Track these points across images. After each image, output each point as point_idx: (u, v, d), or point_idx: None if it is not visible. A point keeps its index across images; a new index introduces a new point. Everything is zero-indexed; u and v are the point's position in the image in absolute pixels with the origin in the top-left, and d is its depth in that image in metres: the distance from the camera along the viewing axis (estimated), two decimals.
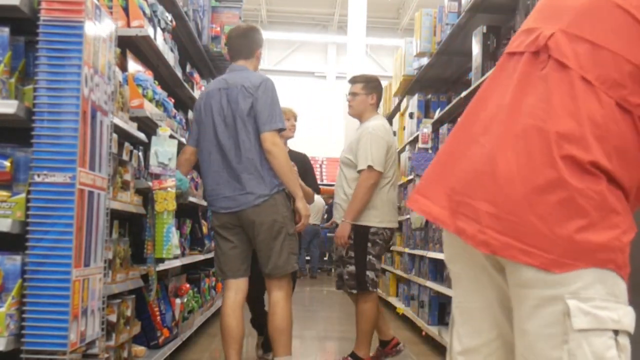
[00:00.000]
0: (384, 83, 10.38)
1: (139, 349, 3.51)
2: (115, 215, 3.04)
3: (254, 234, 3.52)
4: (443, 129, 5.45)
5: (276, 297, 3.56)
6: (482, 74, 4.26)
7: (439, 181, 1.44)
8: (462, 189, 1.37)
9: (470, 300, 1.47)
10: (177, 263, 4.32)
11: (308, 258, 13.45)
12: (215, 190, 3.58)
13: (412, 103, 6.93)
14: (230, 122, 3.49)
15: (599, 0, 1.37)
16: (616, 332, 1.25)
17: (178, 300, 4.34)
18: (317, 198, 11.72)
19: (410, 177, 6.13)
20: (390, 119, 8.96)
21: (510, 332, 1.40)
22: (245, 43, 3.71)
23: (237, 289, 3.57)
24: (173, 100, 4.40)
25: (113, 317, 3.02)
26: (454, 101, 5.14)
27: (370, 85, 4.42)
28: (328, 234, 13.86)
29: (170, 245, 3.60)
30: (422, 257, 5.84)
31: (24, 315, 2.27)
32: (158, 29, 4.02)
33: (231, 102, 3.50)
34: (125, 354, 3.26)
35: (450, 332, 1.53)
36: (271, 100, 3.51)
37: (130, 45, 3.67)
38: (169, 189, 3.57)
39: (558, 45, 1.36)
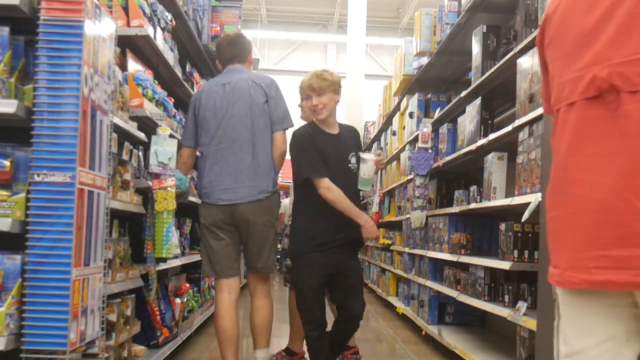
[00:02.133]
0: (384, 82, 10.42)
1: (139, 349, 3.51)
2: (115, 214, 3.04)
3: (248, 232, 3.54)
4: (443, 129, 5.45)
5: (264, 291, 3.64)
6: (482, 74, 4.26)
7: (560, 248, 1.50)
8: (588, 244, 1.42)
9: (583, 306, 1.48)
10: (177, 262, 4.32)
11: None
12: (213, 182, 3.51)
13: (412, 102, 6.93)
14: (241, 114, 3.51)
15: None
16: None
17: (178, 300, 4.34)
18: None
19: (410, 176, 6.12)
20: (390, 118, 8.96)
21: (623, 335, 1.42)
22: (237, 50, 3.74)
23: (229, 289, 3.57)
24: (173, 100, 4.40)
25: (113, 317, 3.02)
26: (454, 101, 5.14)
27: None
28: None
29: (170, 245, 3.61)
30: (422, 257, 5.84)
31: (23, 315, 2.27)
32: (158, 29, 4.02)
33: (241, 94, 3.53)
34: (125, 354, 3.26)
35: (557, 336, 1.54)
36: (282, 99, 3.60)
37: (130, 45, 3.67)
38: (168, 188, 3.57)
39: (624, 78, 1.37)
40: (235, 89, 3.54)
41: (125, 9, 3.50)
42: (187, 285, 4.83)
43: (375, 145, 10.83)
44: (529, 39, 3.37)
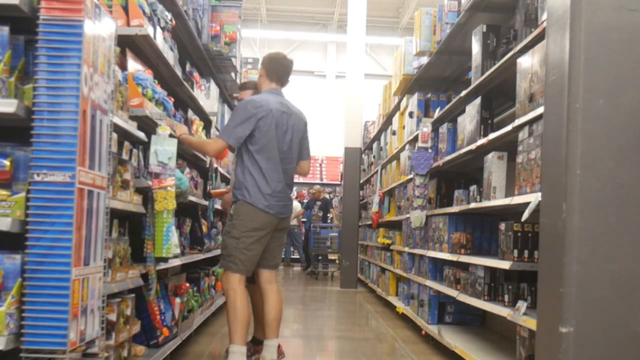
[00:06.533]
0: (384, 82, 10.40)
1: (139, 348, 3.51)
2: (115, 214, 3.04)
3: (278, 236, 4.18)
4: (443, 128, 5.45)
5: (277, 286, 4.20)
6: (482, 73, 4.26)
7: None
8: None
9: None
10: (177, 262, 4.32)
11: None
12: (275, 196, 4.01)
13: (411, 102, 6.93)
14: (289, 142, 4.09)
15: None
16: None
17: (178, 300, 4.34)
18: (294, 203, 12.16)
19: (410, 176, 6.12)
20: (390, 118, 8.97)
21: None
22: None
23: (244, 282, 4.05)
24: (173, 99, 4.40)
25: (113, 316, 3.02)
26: (454, 100, 5.14)
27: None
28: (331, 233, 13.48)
29: (170, 244, 3.61)
30: (421, 256, 5.84)
31: (23, 314, 2.27)
32: (158, 28, 4.02)
33: (295, 127, 4.14)
34: (125, 353, 3.26)
35: None
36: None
37: (130, 44, 3.67)
38: (168, 188, 3.57)
39: None
40: (296, 126, 4.14)
41: (125, 9, 3.50)
42: (187, 284, 4.82)
43: (375, 144, 10.83)
44: (529, 38, 3.37)
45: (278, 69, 4.20)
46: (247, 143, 4.00)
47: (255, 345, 4.51)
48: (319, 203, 13.85)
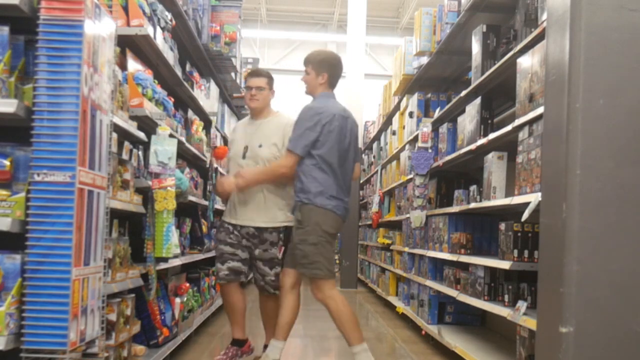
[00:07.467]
0: (384, 82, 10.40)
1: (139, 348, 3.51)
2: (115, 214, 3.04)
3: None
4: (443, 128, 5.45)
5: (299, 292, 4.22)
6: (482, 73, 4.26)
7: None
8: None
9: None
10: (177, 262, 4.32)
11: None
12: (338, 199, 3.99)
13: (411, 102, 6.93)
14: (347, 146, 4.07)
15: None
16: None
17: (178, 300, 4.34)
18: None
19: (410, 176, 6.12)
20: (390, 117, 8.96)
21: None
22: None
23: (334, 285, 4.05)
24: (173, 99, 4.40)
25: (113, 316, 3.02)
26: (454, 100, 5.14)
27: (272, 82, 4.48)
28: None
29: (170, 244, 3.61)
30: (422, 256, 5.84)
31: (23, 314, 2.27)
32: (158, 28, 4.02)
33: (353, 131, 4.14)
34: (125, 353, 3.26)
35: None
36: None
37: (130, 44, 3.67)
38: (168, 188, 3.57)
39: None
40: (352, 129, 4.13)
41: (125, 9, 3.50)
42: (187, 284, 4.83)
43: (375, 144, 10.83)
44: (529, 38, 3.37)
45: (337, 74, 4.17)
46: (310, 147, 3.96)
47: (239, 347, 4.39)
48: None
